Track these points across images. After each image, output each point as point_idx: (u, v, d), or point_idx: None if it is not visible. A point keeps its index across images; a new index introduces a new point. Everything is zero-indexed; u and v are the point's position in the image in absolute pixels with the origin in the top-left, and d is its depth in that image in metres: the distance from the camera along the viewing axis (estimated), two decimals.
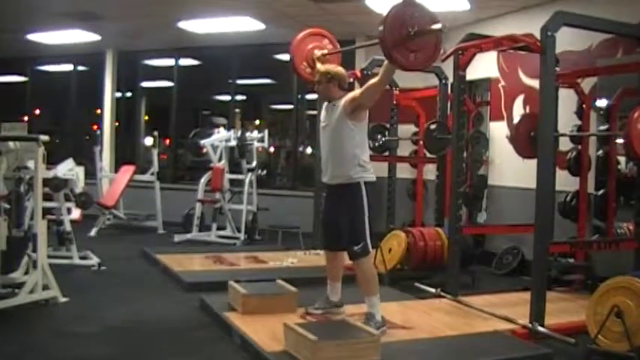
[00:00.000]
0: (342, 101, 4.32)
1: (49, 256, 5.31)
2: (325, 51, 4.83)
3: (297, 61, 4.80)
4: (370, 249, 4.38)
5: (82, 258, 6.58)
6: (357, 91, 4.35)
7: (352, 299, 4.54)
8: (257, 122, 11.53)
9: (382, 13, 3.87)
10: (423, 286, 5.71)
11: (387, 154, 7.71)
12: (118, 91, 11.30)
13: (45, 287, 4.95)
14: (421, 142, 7.30)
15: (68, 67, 11.79)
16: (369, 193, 4.34)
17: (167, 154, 11.11)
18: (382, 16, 3.83)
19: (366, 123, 4.42)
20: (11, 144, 5.33)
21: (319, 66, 4.58)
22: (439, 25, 3.84)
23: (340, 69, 4.53)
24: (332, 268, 4.68)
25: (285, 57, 9.88)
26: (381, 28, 3.79)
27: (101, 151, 10.01)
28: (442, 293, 5.37)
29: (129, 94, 11.71)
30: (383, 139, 7.53)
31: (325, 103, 4.51)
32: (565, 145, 6.02)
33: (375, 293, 4.31)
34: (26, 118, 11.89)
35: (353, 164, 4.30)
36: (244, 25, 8.50)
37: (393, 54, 3.85)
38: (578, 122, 5.92)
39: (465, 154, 6.49)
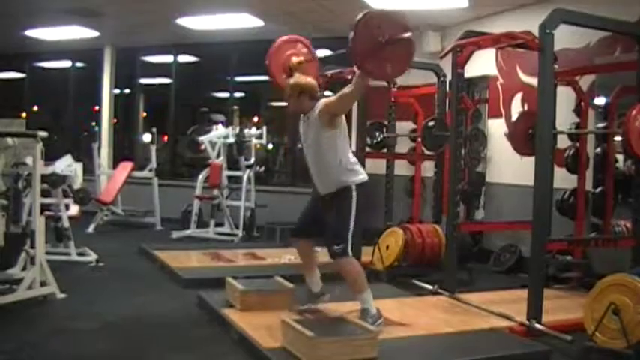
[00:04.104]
0: (316, 112, 4.24)
1: (47, 252, 5.31)
2: (302, 58, 4.76)
3: (275, 70, 4.74)
4: (349, 252, 4.22)
5: (80, 254, 6.58)
6: (330, 100, 4.22)
7: (349, 296, 4.54)
8: (255, 119, 11.50)
9: (380, 8, 3.85)
10: (420, 283, 5.72)
11: (385, 151, 7.71)
12: (116, 87, 11.27)
13: (43, 283, 4.95)
14: (419, 140, 7.30)
15: (66, 64, 11.76)
16: (361, 195, 4.26)
17: (161, 150, 11.05)
18: (350, 28, 3.77)
19: (344, 126, 4.31)
20: (9, 140, 5.34)
21: (290, 79, 4.45)
22: (409, 33, 3.85)
23: (310, 80, 4.39)
24: (302, 255, 4.64)
25: None
26: (350, 38, 3.74)
27: (99, 148, 10.01)
28: (440, 290, 5.38)
29: (127, 91, 11.68)
30: (381, 136, 7.53)
31: (301, 117, 4.43)
32: (563, 142, 6.02)
33: (364, 290, 4.28)
34: (24, 115, 11.88)
35: (341, 171, 4.26)
36: (242, 21, 8.49)
37: (366, 65, 3.83)
38: (577, 120, 5.92)
39: (463, 152, 6.49)
